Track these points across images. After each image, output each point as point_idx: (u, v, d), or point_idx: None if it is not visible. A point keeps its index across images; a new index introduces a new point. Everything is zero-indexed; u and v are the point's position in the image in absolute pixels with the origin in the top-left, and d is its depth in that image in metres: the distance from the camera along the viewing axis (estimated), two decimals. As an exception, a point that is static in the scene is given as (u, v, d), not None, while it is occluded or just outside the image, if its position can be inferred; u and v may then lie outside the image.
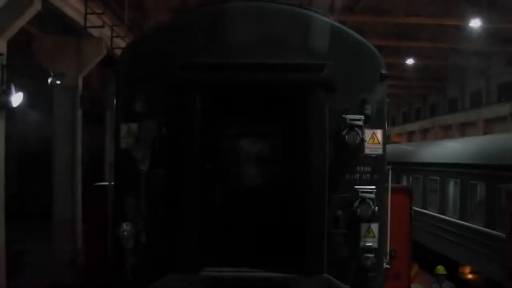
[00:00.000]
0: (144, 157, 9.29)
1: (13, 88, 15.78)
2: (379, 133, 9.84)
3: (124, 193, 9.57)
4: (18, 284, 18.90)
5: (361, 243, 9.67)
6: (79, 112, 21.92)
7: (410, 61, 38.94)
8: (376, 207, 9.57)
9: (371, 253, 9.63)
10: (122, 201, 9.56)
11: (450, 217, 22.18)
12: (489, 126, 37.71)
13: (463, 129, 42.40)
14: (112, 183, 10.01)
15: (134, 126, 9.51)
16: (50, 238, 21.21)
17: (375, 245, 9.74)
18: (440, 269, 17.03)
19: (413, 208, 13.33)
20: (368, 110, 9.67)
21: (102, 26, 21.52)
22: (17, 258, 21.64)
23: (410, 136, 56.43)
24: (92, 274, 11.87)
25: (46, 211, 23.12)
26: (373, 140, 9.81)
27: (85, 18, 19.94)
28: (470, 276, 23.68)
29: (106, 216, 10.32)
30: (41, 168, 30.12)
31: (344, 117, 9.50)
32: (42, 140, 32.78)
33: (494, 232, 18.35)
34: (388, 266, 10.96)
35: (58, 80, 19.79)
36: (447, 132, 45.35)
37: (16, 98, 16.13)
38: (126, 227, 9.31)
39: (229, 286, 9.19)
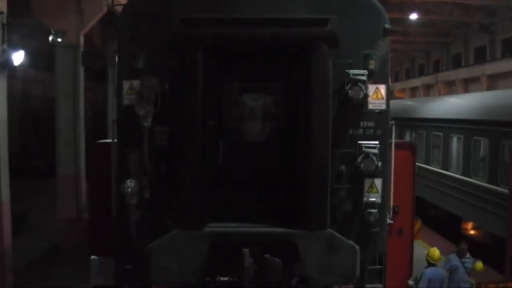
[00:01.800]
0: (147, 114, 9.26)
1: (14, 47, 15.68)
2: (382, 88, 9.80)
3: (127, 150, 9.58)
4: (24, 241, 19.06)
5: (364, 199, 9.71)
6: (81, 70, 21.82)
7: (413, 16, 38.55)
8: (379, 163, 9.59)
9: (374, 208, 9.66)
10: (126, 158, 9.58)
11: (453, 173, 22.18)
12: (493, 82, 37.48)
13: (467, 85, 42.12)
14: (115, 140, 10.00)
15: (136, 82, 9.47)
16: (54, 196, 21.29)
17: (378, 200, 9.77)
18: (463, 243, 14.97)
19: (416, 163, 13.33)
20: (372, 65, 9.62)
21: (103, -18, 21.31)
22: (22, 216, 21.77)
23: (413, 92, 56.17)
24: (96, 231, 11.93)
25: (50, 169, 23.19)
26: (377, 95, 9.77)
27: (85, -26, 19.75)
28: (472, 232, 23.79)
29: (109, 173, 10.33)
30: (44, 126, 30.20)
31: (347, 72, 9.47)
32: (44, 98, 32.82)
33: (497, 188, 18.37)
34: (391, 222, 11.00)
35: (59, 38, 19.67)
36: (450, 88, 45.08)
37: (17, 57, 16.04)
38: (129, 183, 9.33)
39: (232, 242, 9.23)
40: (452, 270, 14.03)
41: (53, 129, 21.80)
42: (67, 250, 19.34)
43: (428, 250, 13.59)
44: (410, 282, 12.47)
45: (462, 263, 14.09)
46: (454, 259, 14.23)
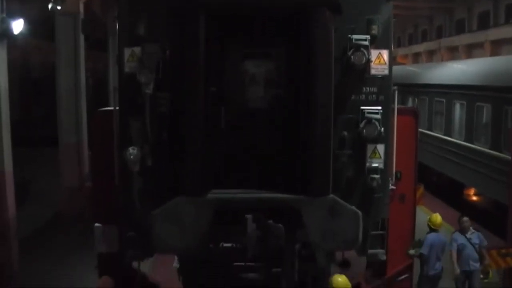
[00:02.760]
0: (148, 81, 9.22)
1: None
2: (385, 54, 9.74)
3: (129, 117, 9.56)
4: (28, 210, 19.13)
5: (367, 164, 9.70)
6: (81, 38, 21.71)
7: (416, -18, 38.29)
8: (382, 128, 9.57)
9: (376, 174, 9.65)
10: (127, 125, 9.56)
11: (456, 139, 22.17)
12: (496, 47, 37.29)
13: (470, 51, 41.94)
14: (117, 108, 9.97)
15: (137, 50, 9.41)
16: (57, 165, 21.32)
17: (381, 166, 9.76)
18: (463, 217, 13.93)
19: (419, 129, 13.31)
20: (374, 30, 9.57)
21: None
22: (25, 185, 21.84)
23: (416, 58, 55.96)
24: (99, 199, 11.96)
25: (52, 137, 23.20)
26: (379, 60, 9.71)
27: None
28: (475, 198, 23.86)
29: (111, 141, 10.33)
30: (45, 95, 30.16)
31: (349, 37, 9.41)
32: (45, 67, 32.74)
33: (500, 154, 18.37)
34: (394, 187, 11.02)
35: (58, 5, 19.53)
36: (453, 54, 44.90)
37: (17, 26, 15.94)
38: (132, 151, 9.32)
39: (235, 208, 9.24)
40: (460, 250, 13.28)
41: (54, 98, 21.75)
42: (70, 218, 19.41)
43: (430, 216, 13.55)
44: (411, 251, 12.53)
45: (468, 239, 13.34)
46: (459, 237, 13.46)
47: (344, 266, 12.26)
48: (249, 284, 10.99)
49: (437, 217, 13.25)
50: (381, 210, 10.03)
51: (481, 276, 13.35)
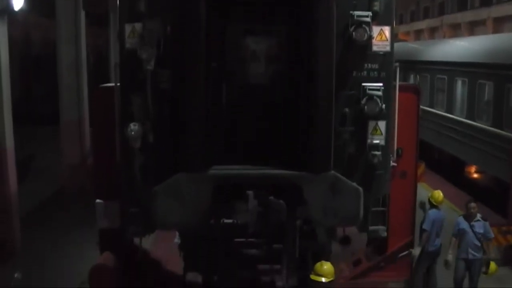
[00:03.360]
0: (149, 57, 9.20)
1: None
2: (387, 30, 9.70)
3: (130, 94, 9.54)
4: (30, 187, 19.18)
5: (368, 141, 9.69)
6: (82, 14, 21.62)
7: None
8: (383, 105, 9.55)
9: (378, 150, 9.65)
10: (129, 101, 9.54)
11: (457, 116, 22.15)
12: (498, 25, 37.16)
13: (472, 28, 41.80)
14: (118, 84, 9.95)
15: (138, 26, 9.38)
16: (58, 142, 21.33)
17: (382, 142, 9.76)
18: (471, 203, 12.93)
19: (420, 106, 13.28)
20: (376, 6, 9.53)
21: None
22: (27, 162, 21.87)
23: (418, 34, 55.79)
24: (100, 175, 11.98)
25: (53, 115, 23.20)
26: (381, 37, 9.67)
27: None
28: (476, 175, 23.88)
29: (113, 117, 10.32)
30: (46, 72, 30.10)
31: (351, 13, 9.37)
32: (46, 43, 32.63)
33: (501, 131, 18.36)
34: (395, 164, 11.03)
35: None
36: (455, 31, 44.75)
37: (17, 2, 15.86)
38: (133, 127, 9.32)
39: (236, 184, 9.26)
40: (460, 235, 12.65)
41: (55, 74, 21.71)
42: (71, 195, 19.46)
43: (432, 193, 13.51)
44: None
45: (471, 227, 12.56)
46: (462, 222, 12.74)
47: (345, 243, 12.29)
48: (250, 260, 11.06)
49: (439, 194, 13.24)
50: (382, 187, 10.04)
51: (483, 269, 12.62)
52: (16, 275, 13.01)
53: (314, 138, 9.14)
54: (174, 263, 12.59)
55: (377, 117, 9.62)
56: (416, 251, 12.36)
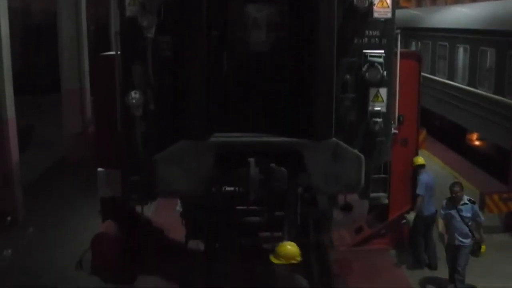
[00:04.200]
0: (150, 24, 9.16)
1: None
2: (388, -4, 9.65)
3: (131, 62, 9.52)
4: (31, 156, 19.21)
5: (369, 108, 9.69)
6: (82, -18, 21.49)
7: None
8: (385, 72, 9.53)
9: (379, 117, 9.65)
10: (130, 69, 9.52)
11: (459, 83, 22.08)
12: (501, -9, 36.90)
13: (474, -5, 41.53)
14: (119, 53, 9.92)
15: None
16: (59, 111, 21.32)
17: (383, 109, 9.75)
18: (455, 186, 11.57)
19: (422, 73, 13.25)
20: None
21: None
22: (28, 132, 21.88)
23: (419, 1, 55.39)
24: (102, 144, 12.01)
25: (54, 84, 23.15)
26: (382, 3, 9.62)
27: None
28: (477, 143, 23.88)
29: (114, 86, 10.31)
30: (47, 42, 29.98)
31: None
32: (46, 13, 32.46)
33: (503, 99, 18.31)
34: (396, 131, 11.03)
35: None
36: (457, -3, 44.45)
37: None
38: (134, 95, 9.31)
39: (238, 152, 9.26)
40: (447, 220, 11.53)
41: (56, 44, 21.62)
42: (73, 164, 19.50)
43: (414, 159, 12.99)
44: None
45: (458, 211, 11.32)
46: (448, 206, 11.53)
47: (346, 210, 12.35)
48: (251, 228, 11.11)
49: (417, 158, 12.96)
50: (384, 154, 10.05)
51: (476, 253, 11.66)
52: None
53: (315, 105, 9.13)
54: (176, 231, 12.67)
55: (379, 84, 9.61)
56: (411, 216, 12.40)
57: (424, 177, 12.44)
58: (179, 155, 9.21)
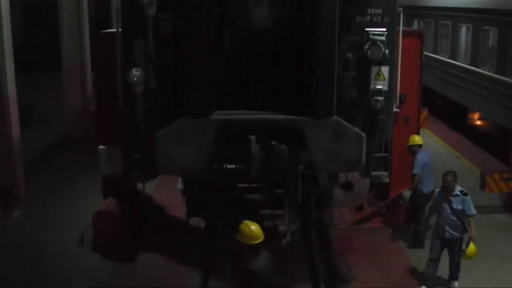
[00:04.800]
0: (151, 2, 9.12)
1: None
2: (390, -26, 9.60)
3: (132, 39, 9.50)
4: (33, 133, 19.20)
5: (371, 86, 9.66)
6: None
7: None
8: (387, 50, 9.50)
9: (380, 96, 9.63)
10: (131, 47, 9.50)
11: (461, 62, 22.01)
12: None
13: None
14: (120, 30, 9.88)
15: None
16: (60, 88, 21.28)
17: (385, 88, 9.73)
18: (448, 176, 10.85)
19: (424, 52, 13.19)
20: None
21: None
22: (29, 108, 21.85)
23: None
24: (103, 121, 11.99)
25: (54, 61, 23.09)
26: (385, -19, 9.57)
27: None
28: (479, 122, 23.85)
29: (115, 63, 10.28)
30: (48, 18, 29.86)
31: None
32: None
33: (505, 78, 18.25)
34: (398, 110, 11.02)
35: None
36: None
37: None
38: (135, 72, 9.30)
39: (239, 129, 9.25)
40: (437, 210, 11.02)
41: (57, 20, 21.53)
42: (74, 141, 19.51)
43: (410, 139, 12.84)
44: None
45: (449, 202, 10.71)
46: (439, 196, 10.98)
47: (347, 188, 12.36)
48: (252, 206, 11.12)
49: (415, 136, 12.87)
50: (385, 132, 10.04)
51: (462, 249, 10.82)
52: (15, 213, 13.16)
53: (316, 83, 9.11)
54: (177, 208, 12.69)
55: (380, 62, 9.58)
56: (407, 193, 12.37)
57: (421, 156, 12.39)
58: (180, 132, 9.21)
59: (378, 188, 13.44)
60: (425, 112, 17.85)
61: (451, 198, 10.65)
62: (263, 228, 11.39)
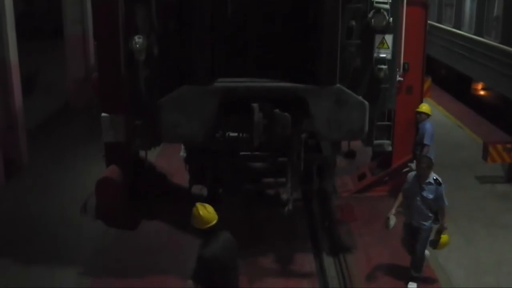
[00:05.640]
0: (154, -32, 9.07)
1: None
2: None
3: (134, 6, 9.43)
4: (35, 102, 19.19)
5: (375, 55, 9.62)
6: None
7: None
8: (391, 18, 9.45)
9: (384, 64, 9.59)
10: (133, 13, 9.44)
11: (465, 32, 21.88)
12: None
13: None
14: (122, -4, 9.84)
15: None
16: (63, 56, 21.22)
17: (389, 56, 9.69)
18: (423, 163, 9.89)
19: (428, 21, 13.11)
20: None
21: None
22: (31, 77, 21.81)
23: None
24: (105, 89, 11.97)
25: (56, 29, 22.99)
26: None
27: None
28: (482, 92, 23.79)
29: (117, 30, 10.24)
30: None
31: None
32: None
33: (510, 49, 18.15)
34: (401, 79, 11.01)
35: None
36: None
37: None
38: (138, 40, 9.27)
39: (242, 97, 9.23)
40: (409, 196, 9.93)
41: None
42: (77, 109, 19.50)
43: (421, 106, 12.74)
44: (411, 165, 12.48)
45: (421, 190, 9.74)
46: (411, 181, 9.94)
47: (350, 157, 12.35)
48: (254, 174, 11.16)
49: (424, 104, 12.85)
50: (388, 101, 10.02)
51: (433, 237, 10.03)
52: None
53: (320, 51, 9.07)
54: (179, 176, 12.72)
55: (384, 30, 9.53)
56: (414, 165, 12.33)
57: (429, 126, 12.37)
58: (183, 100, 9.19)
59: (381, 156, 13.45)
60: (428, 81, 17.80)
61: (424, 186, 9.70)
62: (264, 196, 11.54)
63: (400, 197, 10.04)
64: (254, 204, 11.65)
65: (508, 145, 14.04)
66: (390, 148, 10.90)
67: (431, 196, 9.69)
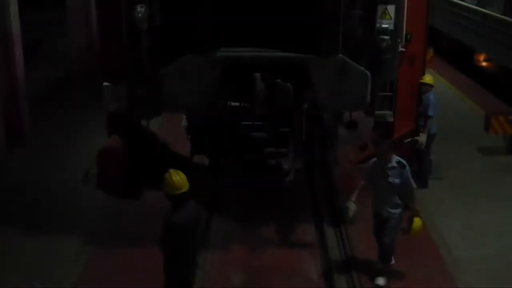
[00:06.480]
0: None
1: None
2: None
3: None
4: (37, 71, 19.16)
5: (377, 25, 9.61)
6: None
7: None
8: (393, -12, 9.41)
9: (386, 35, 9.59)
10: None
11: (468, 3, 21.76)
12: None
13: None
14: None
15: None
16: (64, 26, 21.14)
17: (391, 27, 9.68)
18: (383, 143, 9.52)
19: (431, -8, 13.03)
20: None
21: None
22: (33, 46, 21.75)
23: None
24: (108, 58, 11.93)
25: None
26: None
27: None
28: (484, 63, 23.71)
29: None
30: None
31: None
32: None
33: (512, 19, 18.09)
34: (403, 50, 10.95)
35: None
36: None
37: None
38: (140, 9, 9.25)
39: (244, 66, 9.23)
40: (373, 185, 9.21)
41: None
42: (79, 78, 19.46)
43: (425, 77, 12.44)
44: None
45: (385, 176, 8.97)
46: (374, 167, 9.19)
47: (351, 127, 12.34)
48: (256, 143, 11.18)
49: (428, 75, 12.84)
50: (390, 72, 10.02)
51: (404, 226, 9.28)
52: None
53: (322, 21, 9.05)
54: (181, 146, 12.74)
55: (387, 1, 9.50)
56: (422, 138, 12.28)
57: (432, 98, 12.36)
58: (185, 69, 9.20)
59: (382, 127, 13.42)
60: (430, 52, 17.73)
61: (387, 171, 8.94)
62: (266, 166, 11.54)
63: (360, 185, 9.30)
64: (256, 174, 11.68)
65: (510, 117, 14.02)
66: (391, 119, 10.89)
67: (397, 181, 8.95)
